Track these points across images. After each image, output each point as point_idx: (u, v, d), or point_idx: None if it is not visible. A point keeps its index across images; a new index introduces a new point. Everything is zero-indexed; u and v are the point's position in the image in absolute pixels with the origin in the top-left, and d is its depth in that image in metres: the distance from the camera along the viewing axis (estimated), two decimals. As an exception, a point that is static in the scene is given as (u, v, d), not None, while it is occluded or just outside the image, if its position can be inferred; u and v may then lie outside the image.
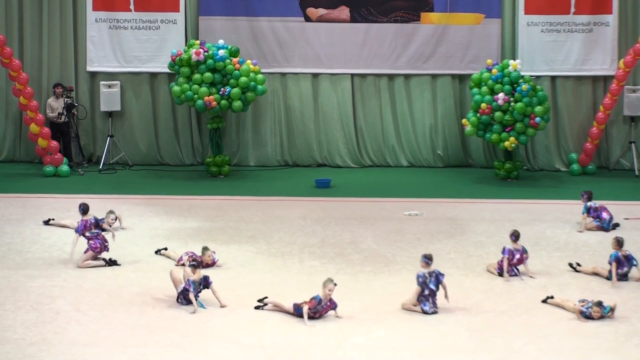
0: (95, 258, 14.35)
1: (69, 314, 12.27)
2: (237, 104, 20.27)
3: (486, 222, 17.05)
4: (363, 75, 22.16)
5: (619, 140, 21.86)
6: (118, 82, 21.93)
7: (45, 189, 19.55)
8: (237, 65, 20.35)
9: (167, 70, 21.25)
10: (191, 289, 12.46)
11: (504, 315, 12.40)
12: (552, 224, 16.93)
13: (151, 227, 16.57)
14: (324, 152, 22.24)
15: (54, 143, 20.99)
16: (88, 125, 22.18)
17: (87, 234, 14.48)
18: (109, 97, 21.85)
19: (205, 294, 12.62)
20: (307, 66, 22.08)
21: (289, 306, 12.29)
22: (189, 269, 12.72)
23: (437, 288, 12.55)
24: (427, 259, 12.66)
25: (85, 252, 14.37)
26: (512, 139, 20.11)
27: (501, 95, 20.06)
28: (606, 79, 21.58)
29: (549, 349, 11.28)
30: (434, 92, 22.13)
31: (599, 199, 16.92)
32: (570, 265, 14.32)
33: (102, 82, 21.89)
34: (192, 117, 22.17)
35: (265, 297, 12.57)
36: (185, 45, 21.10)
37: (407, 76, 22.13)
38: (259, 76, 20.56)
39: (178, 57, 20.41)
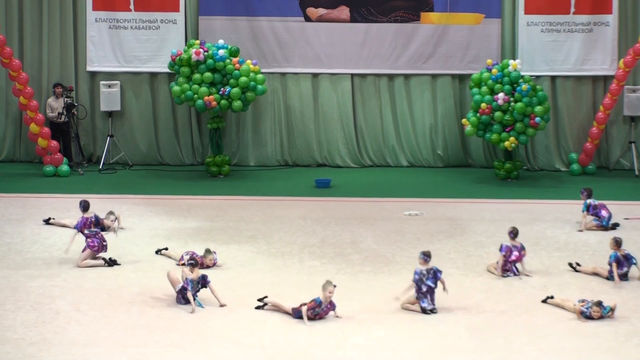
0: (93, 257, 14.34)
1: (69, 314, 12.27)
2: (237, 104, 20.27)
3: (486, 222, 17.05)
4: (363, 75, 22.16)
5: (619, 140, 21.87)
6: (118, 82, 21.93)
7: (45, 189, 19.55)
8: (237, 65, 20.35)
9: (167, 70, 21.25)
10: (189, 288, 12.46)
11: (504, 315, 12.40)
12: (552, 224, 16.93)
13: (151, 227, 16.57)
14: (324, 152, 22.24)
15: (54, 143, 20.99)
16: (88, 125, 22.18)
17: (86, 231, 14.45)
18: (109, 97, 21.85)
19: (204, 293, 12.62)
20: (307, 66, 22.08)
21: (288, 307, 12.29)
22: (187, 268, 12.74)
23: (435, 285, 12.55)
24: (426, 256, 12.66)
25: (83, 250, 14.35)
26: (512, 139, 20.11)
27: (501, 95, 20.06)
28: (606, 79, 21.58)
29: (549, 349, 11.28)
30: (434, 92, 22.12)
31: (599, 199, 16.91)
32: (570, 265, 14.32)
33: (102, 82, 21.89)
34: (192, 117, 22.17)
35: (265, 297, 12.58)
36: (185, 45, 21.10)
37: (407, 76, 22.13)
38: (259, 76, 20.57)
39: (178, 57, 20.41)
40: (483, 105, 20.13)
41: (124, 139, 22.14)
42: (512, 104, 20.02)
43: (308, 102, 22.21)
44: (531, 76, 20.59)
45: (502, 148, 20.54)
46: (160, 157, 22.29)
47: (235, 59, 20.43)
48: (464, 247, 15.52)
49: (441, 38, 21.81)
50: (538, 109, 20.03)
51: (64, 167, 20.83)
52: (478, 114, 20.24)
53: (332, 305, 12.18)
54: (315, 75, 22.17)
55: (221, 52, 20.28)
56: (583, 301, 12.42)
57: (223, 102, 20.22)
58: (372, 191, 19.63)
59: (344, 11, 21.96)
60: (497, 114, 20.13)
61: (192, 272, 12.58)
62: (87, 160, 21.97)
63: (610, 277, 13.75)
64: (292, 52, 22.00)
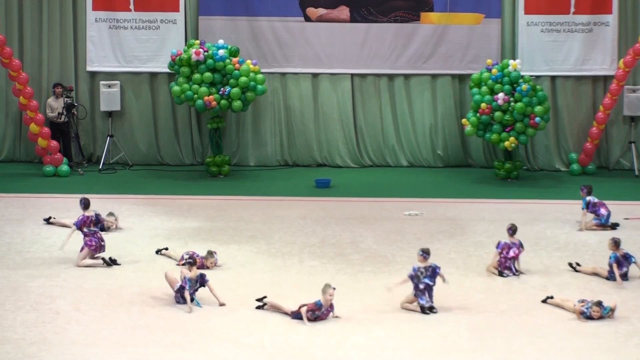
0: (92, 257, 14.32)
1: (69, 314, 12.27)
2: (237, 103, 20.26)
3: (486, 222, 17.05)
4: (363, 75, 22.16)
5: (619, 140, 21.87)
6: (118, 82, 21.93)
7: (45, 188, 19.55)
8: (237, 65, 20.35)
9: (167, 70, 21.25)
10: (187, 287, 12.46)
11: (504, 315, 12.40)
12: (552, 224, 16.93)
13: (151, 227, 16.56)
14: (324, 152, 22.24)
15: (54, 143, 20.99)
16: (88, 125, 22.18)
17: (85, 230, 14.41)
18: (109, 97, 21.84)
19: (203, 292, 12.62)
20: (307, 66, 22.08)
21: (288, 309, 12.27)
22: (185, 267, 12.74)
23: (434, 282, 12.54)
24: (425, 253, 12.67)
25: (81, 250, 14.33)
26: (512, 139, 20.11)
27: (501, 95, 20.05)
28: (606, 79, 21.57)
29: (549, 349, 11.28)
30: (433, 92, 22.12)
31: (599, 199, 16.89)
32: (570, 265, 14.32)
33: (102, 82, 21.88)
34: (192, 117, 22.16)
35: (264, 297, 12.57)
36: (185, 45, 21.10)
37: (407, 76, 22.13)
38: (259, 76, 20.56)
39: (178, 57, 20.41)
40: (483, 105, 20.13)
41: (124, 139, 22.13)
42: (512, 104, 20.02)
43: (308, 102, 22.21)
44: (531, 76, 20.59)
45: (502, 148, 20.54)
46: (160, 157, 22.28)
47: (235, 59, 20.43)
48: (464, 247, 15.52)
49: (441, 38, 21.81)
50: (538, 109, 20.03)
51: (64, 167, 20.82)
52: (478, 114, 20.24)
53: (331, 308, 12.18)
54: (315, 75, 22.17)
55: (221, 52, 20.28)
56: (583, 301, 12.42)
57: (223, 102, 20.22)
58: (372, 191, 19.63)
59: (344, 11, 21.96)
60: (497, 114, 20.13)
61: (190, 271, 12.59)
62: (87, 160, 21.97)
63: (610, 278, 13.76)
64: (292, 52, 22.00)
